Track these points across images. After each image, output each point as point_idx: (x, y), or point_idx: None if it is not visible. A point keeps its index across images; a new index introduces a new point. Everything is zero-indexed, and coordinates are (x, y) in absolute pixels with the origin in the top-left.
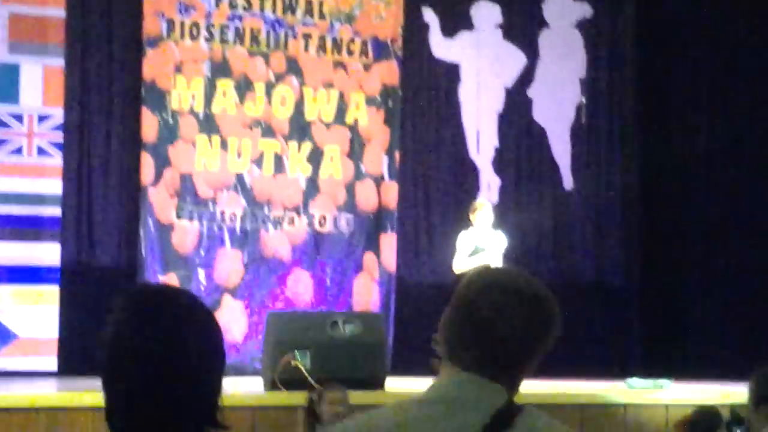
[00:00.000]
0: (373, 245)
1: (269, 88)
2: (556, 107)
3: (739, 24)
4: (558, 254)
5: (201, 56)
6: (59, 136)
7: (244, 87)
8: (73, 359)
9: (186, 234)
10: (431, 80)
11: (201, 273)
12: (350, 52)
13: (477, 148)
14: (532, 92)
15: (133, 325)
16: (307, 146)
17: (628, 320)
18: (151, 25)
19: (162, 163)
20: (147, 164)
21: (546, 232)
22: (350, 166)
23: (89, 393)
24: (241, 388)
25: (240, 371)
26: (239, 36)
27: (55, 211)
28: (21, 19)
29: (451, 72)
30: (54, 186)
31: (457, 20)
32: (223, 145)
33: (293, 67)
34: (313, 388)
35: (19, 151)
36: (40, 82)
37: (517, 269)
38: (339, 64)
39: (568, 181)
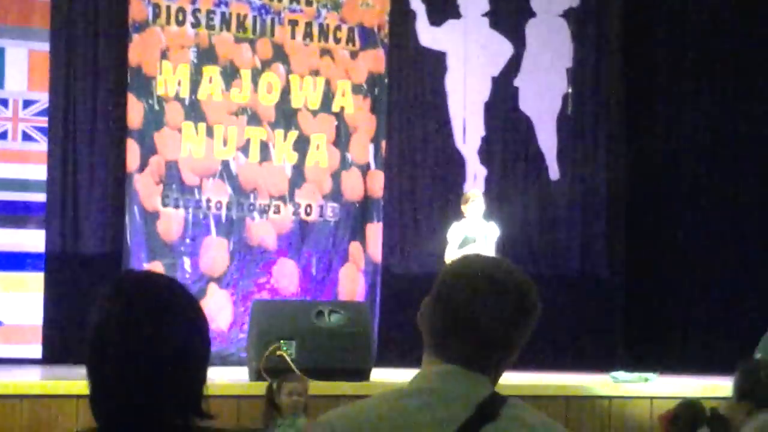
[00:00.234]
0: (359, 235)
1: (255, 75)
2: (543, 97)
3: (725, 13)
4: (543, 245)
5: (187, 42)
6: (44, 121)
7: (230, 73)
8: (58, 347)
9: (171, 222)
10: (418, 69)
11: (186, 261)
12: (337, 40)
13: (463, 138)
14: (518, 82)
15: (117, 312)
16: (293, 134)
17: (614, 312)
18: (137, 10)
19: (148, 150)
20: (132, 151)
21: (532, 222)
22: (336, 154)
23: (74, 381)
24: (226, 377)
25: (225, 360)
26: (225, 22)
27: (40, 197)
28: (6, 2)
29: (438, 60)
30: (39, 172)
31: (444, 8)
32: (209, 132)
33: (280, 54)
34: (298, 378)
35: (3, 135)
36: (25, 66)
37: (500, 258)
38: (326, 52)
39: (554, 171)
